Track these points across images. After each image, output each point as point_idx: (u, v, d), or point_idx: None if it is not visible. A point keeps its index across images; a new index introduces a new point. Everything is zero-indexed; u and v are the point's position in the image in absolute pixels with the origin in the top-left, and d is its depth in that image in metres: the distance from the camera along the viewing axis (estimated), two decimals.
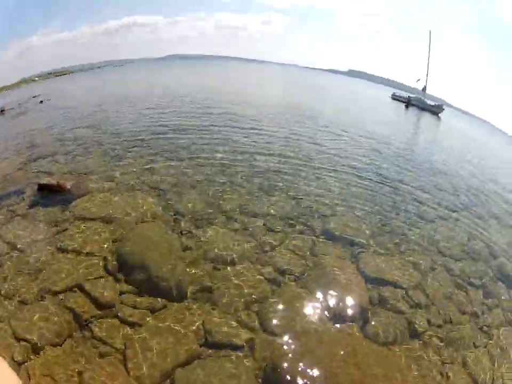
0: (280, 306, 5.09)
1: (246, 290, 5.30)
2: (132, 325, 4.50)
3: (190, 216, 7.20)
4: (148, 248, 5.69)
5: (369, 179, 11.44)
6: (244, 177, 9.69)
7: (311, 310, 5.15)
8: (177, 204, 7.63)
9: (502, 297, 6.56)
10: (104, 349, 4.15)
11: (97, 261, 5.54)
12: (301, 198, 8.82)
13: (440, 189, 12.15)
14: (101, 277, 5.21)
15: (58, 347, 4.12)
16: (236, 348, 4.37)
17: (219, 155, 11.36)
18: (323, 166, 11.77)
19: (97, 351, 4.12)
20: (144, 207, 7.31)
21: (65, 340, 4.22)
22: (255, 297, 5.21)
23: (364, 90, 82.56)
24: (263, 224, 7.23)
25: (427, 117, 44.74)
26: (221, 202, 8.00)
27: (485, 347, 5.26)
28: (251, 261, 6.04)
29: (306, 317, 5.00)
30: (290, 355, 4.22)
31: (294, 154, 12.72)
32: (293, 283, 5.68)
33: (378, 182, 11.38)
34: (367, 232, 7.69)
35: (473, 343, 5.30)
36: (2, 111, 20.46)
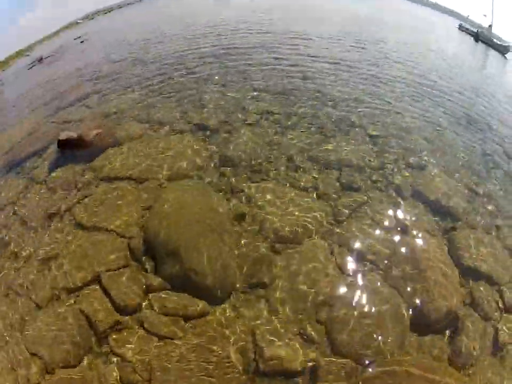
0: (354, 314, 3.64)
1: (313, 289, 3.79)
2: (160, 338, 3.33)
3: (242, 166, 5.51)
4: (182, 224, 4.26)
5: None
6: (309, 113, 7.37)
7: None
8: (225, 149, 5.88)
9: None
10: (125, 371, 3.11)
11: (121, 242, 4.29)
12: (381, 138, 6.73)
13: None
14: (125, 266, 3.99)
15: (71, 369, 3.17)
16: (293, 375, 3.13)
17: (283, 82, 9.03)
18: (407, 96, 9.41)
19: (117, 375, 3.09)
20: (184, 157, 5.69)
21: (80, 362, 3.23)
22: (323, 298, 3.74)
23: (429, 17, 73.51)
24: (337, 180, 5.40)
25: (494, 54, 39.81)
26: (283, 145, 6.10)
27: None
28: (323, 237, 4.40)
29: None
30: None
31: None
32: (371, 276, 4.09)
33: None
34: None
35: None
36: (40, 60, 19.64)
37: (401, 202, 5.23)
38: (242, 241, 4.27)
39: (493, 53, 41.13)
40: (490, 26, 49.62)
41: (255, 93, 8.16)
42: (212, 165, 5.58)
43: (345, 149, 6.08)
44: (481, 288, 4.52)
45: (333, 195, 5.05)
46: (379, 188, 5.43)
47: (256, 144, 5.99)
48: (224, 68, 10.16)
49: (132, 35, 18.83)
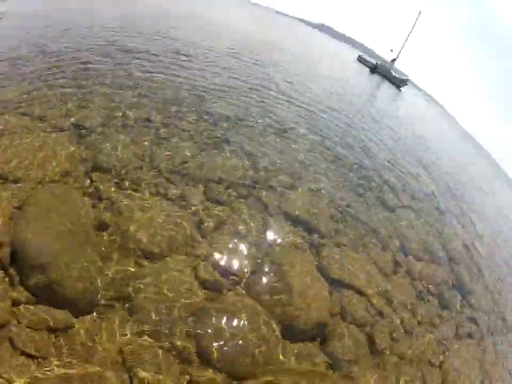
0: (221, 322, 3.86)
1: (176, 303, 3.89)
2: (29, 357, 3.05)
3: (113, 174, 5.34)
4: (48, 233, 3.96)
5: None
6: (190, 125, 7.53)
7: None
8: (99, 154, 5.64)
9: None
10: None
11: None
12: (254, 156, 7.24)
13: None
14: None
15: None
16: None
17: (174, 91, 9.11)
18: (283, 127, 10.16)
19: None
20: (55, 159, 5.25)
21: None
22: (189, 312, 3.86)
23: (330, 46, 79.94)
24: (204, 193, 5.62)
25: (387, 87, 45.08)
26: (155, 153, 6.09)
27: None
28: (188, 251, 4.56)
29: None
30: None
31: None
32: (235, 293, 4.36)
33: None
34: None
35: None
36: None
37: (269, 218, 5.71)
38: (107, 253, 4.16)
39: (386, 84, 46.68)
40: (393, 60, 55.47)
41: (140, 99, 8.07)
42: (83, 170, 5.29)
43: (219, 163, 6.44)
44: (349, 298, 5.21)
45: (201, 208, 5.25)
46: (247, 203, 5.83)
47: (130, 152, 5.92)
48: (118, 69, 9.88)
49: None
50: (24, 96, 7.05)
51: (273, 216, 5.80)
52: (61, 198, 4.60)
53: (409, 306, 6.01)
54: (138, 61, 10.84)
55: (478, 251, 11.20)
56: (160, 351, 3.39)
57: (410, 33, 55.61)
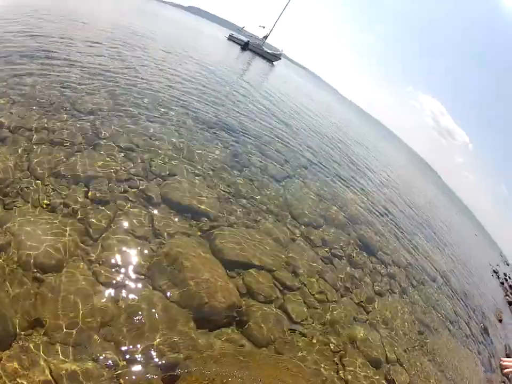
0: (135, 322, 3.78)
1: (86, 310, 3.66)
2: None
3: None
4: None
5: None
6: (56, 126, 6.51)
7: None
8: None
9: None
10: None
11: None
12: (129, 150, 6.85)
13: None
14: None
15: None
16: None
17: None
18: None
19: None
20: None
21: None
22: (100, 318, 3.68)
23: (201, 27, 78.82)
24: (86, 195, 5.20)
25: (259, 62, 46.65)
26: (31, 163, 5.35)
27: None
28: (81, 258, 4.26)
29: None
30: None
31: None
32: (140, 285, 4.25)
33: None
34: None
35: None
36: None
37: (153, 209, 5.57)
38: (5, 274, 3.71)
39: (258, 60, 48.08)
40: (265, 37, 56.57)
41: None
42: None
43: (93, 162, 5.93)
44: (253, 276, 5.27)
45: (84, 211, 4.90)
46: (130, 199, 5.57)
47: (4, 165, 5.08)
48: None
49: None
50: None
51: (159, 208, 5.65)
52: None
53: (316, 275, 6.34)
54: None
55: (373, 209, 12.37)
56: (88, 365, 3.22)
57: (284, 9, 57.69)
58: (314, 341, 4.88)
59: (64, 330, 3.38)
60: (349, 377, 4.65)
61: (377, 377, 5.00)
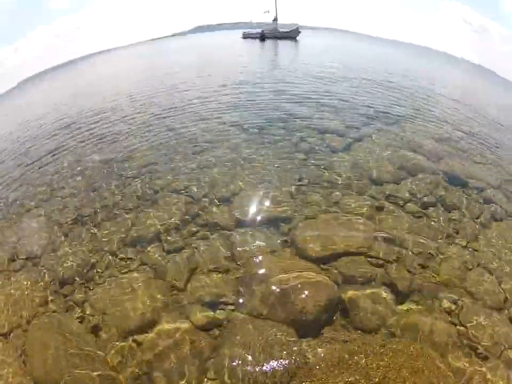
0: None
1: None
2: None
3: None
4: None
5: None
6: None
7: None
8: None
9: None
10: None
11: None
12: None
13: None
14: None
15: None
16: None
17: None
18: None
19: None
20: None
21: None
22: None
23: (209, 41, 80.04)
24: None
25: (285, 43, 45.59)
26: None
27: None
28: None
29: None
30: None
31: None
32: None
33: None
34: None
35: None
36: None
37: None
38: None
39: (284, 42, 46.99)
40: (275, 19, 55.11)
41: None
42: None
43: None
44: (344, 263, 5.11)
45: None
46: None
47: None
48: None
49: None
50: None
51: None
52: None
53: (411, 236, 5.80)
54: None
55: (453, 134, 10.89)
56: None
57: None
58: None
59: None
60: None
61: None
